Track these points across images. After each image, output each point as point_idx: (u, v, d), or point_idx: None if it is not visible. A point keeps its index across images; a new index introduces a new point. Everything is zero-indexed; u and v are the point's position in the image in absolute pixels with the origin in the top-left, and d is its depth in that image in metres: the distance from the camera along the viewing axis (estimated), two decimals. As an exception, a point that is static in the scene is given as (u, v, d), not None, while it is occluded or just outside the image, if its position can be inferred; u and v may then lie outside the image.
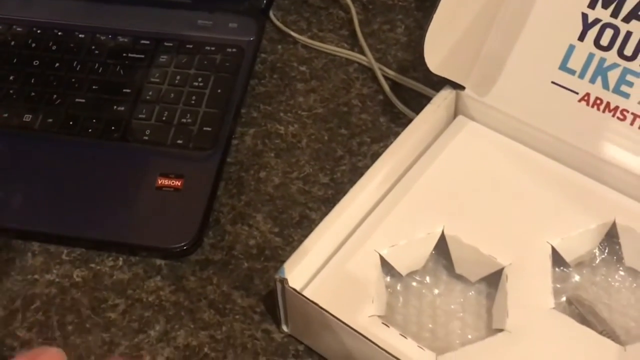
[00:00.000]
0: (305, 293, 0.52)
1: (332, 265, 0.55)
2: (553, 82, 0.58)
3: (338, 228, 0.55)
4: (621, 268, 0.57)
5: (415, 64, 0.71)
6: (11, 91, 0.69)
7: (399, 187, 0.58)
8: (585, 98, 0.57)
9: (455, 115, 0.63)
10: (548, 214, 0.57)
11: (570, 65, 0.57)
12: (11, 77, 0.70)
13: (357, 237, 0.56)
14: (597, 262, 0.57)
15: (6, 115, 0.67)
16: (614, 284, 0.57)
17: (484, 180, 0.59)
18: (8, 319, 0.57)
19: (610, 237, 0.57)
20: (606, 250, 0.58)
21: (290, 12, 0.76)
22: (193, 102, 0.67)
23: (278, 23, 0.75)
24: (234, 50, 0.71)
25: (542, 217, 0.56)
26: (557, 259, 0.55)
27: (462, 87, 0.61)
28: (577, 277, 0.57)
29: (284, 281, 0.51)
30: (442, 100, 0.61)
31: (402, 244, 0.55)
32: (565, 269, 0.57)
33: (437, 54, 0.59)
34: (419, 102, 0.66)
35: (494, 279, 0.55)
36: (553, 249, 0.55)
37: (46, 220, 0.62)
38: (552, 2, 0.58)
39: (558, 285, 0.56)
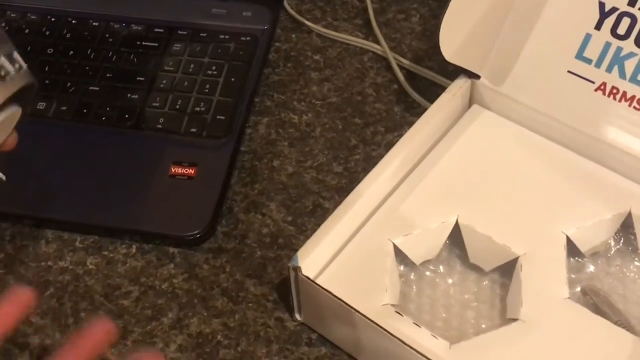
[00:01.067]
0: (318, 281, 0.52)
1: (346, 254, 0.54)
2: (569, 72, 0.57)
3: (351, 216, 0.55)
4: (636, 259, 0.57)
5: (430, 53, 0.70)
6: (25, 79, 0.69)
7: (414, 176, 0.58)
8: (602, 87, 0.57)
9: (470, 104, 0.62)
10: (563, 203, 0.56)
11: (586, 54, 0.57)
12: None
13: (370, 226, 0.56)
14: (612, 252, 0.57)
15: (20, 102, 0.67)
16: (629, 274, 0.56)
17: (498, 169, 0.58)
18: (22, 306, 0.57)
19: (626, 228, 0.57)
20: (621, 241, 0.57)
21: (304, 1, 0.76)
22: (207, 90, 0.67)
23: (292, 12, 0.75)
24: (248, 38, 0.71)
25: (557, 207, 0.56)
26: (572, 249, 0.55)
27: (477, 76, 0.61)
28: (592, 268, 0.56)
29: (297, 269, 0.51)
30: (458, 89, 0.61)
31: (415, 233, 0.55)
32: (580, 259, 0.56)
33: (452, 42, 0.59)
34: (433, 92, 0.65)
35: (508, 269, 0.55)
36: (568, 239, 0.55)
37: (60, 207, 0.62)
38: (568, -9, 0.57)
39: (573, 276, 0.56)
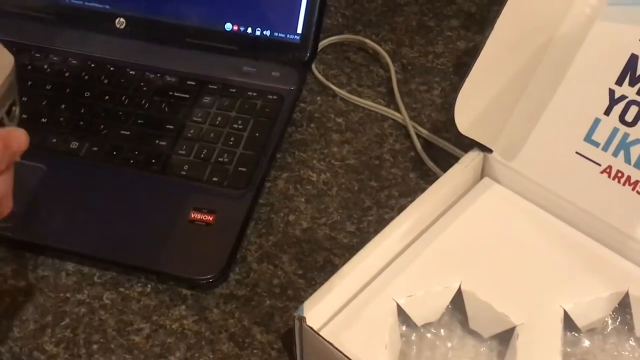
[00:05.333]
0: (322, 333, 0.54)
1: (351, 309, 0.57)
2: (577, 153, 0.60)
3: (359, 273, 0.57)
4: (632, 338, 0.58)
5: (448, 125, 0.73)
6: (61, 119, 0.72)
7: (422, 240, 0.60)
8: (607, 170, 0.59)
9: (481, 176, 0.65)
10: (563, 278, 0.58)
11: (594, 137, 0.60)
12: (63, 106, 0.73)
13: (377, 284, 0.58)
14: (608, 330, 0.59)
15: (54, 140, 0.71)
16: (624, 352, 0.58)
17: (503, 241, 0.61)
18: (37, 333, 0.60)
19: (623, 307, 0.58)
20: (618, 320, 0.59)
21: (332, 67, 0.80)
22: (231, 142, 0.70)
23: (319, 75, 0.78)
24: (275, 97, 0.74)
25: (557, 281, 0.58)
26: (569, 323, 0.57)
27: (489, 150, 0.63)
28: (587, 343, 0.58)
29: (302, 319, 0.54)
30: (470, 161, 0.63)
31: (419, 295, 0.57)
32: (576, 334, 0.58)
33: (467, 116, 0.62)
34: (448, 162, 0.68)
35: (506, 337, 0.57)
36: (565, 313, 0.56)
37: (82, 241, 0.65)
38: (581, 76, 0.60)
39: (568, 349, 0.57)
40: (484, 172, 0.65)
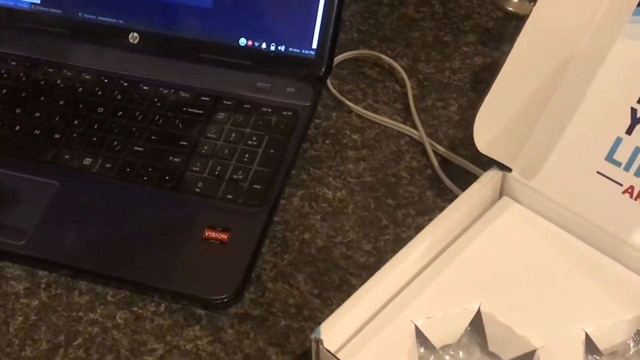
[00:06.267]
0: (339, 355, 0.53)
1: (368, 331, 0.56)
2: (598, 172, 0.59)
3: (377, 294, 0.56)
4: (654, 362, 0.57)
5: (465, 143, 0.72)
6: (74, 134, 0.72)
7: (440, 261, 0.60)
8: (629, 190, 0.58)
9: (500, 195, 0.64)
10: (585, 300, 0.57)
11: (616, 157, 0.59)
12: (76, 122, 0.73)
13: (394, 306, 0.57)
14: (630, 353, 0.58)
15: (68, 156, 0.70)
16: (646, 376, 0.57)
17: (523, 261, 0.60)
18: (50, 353, 0.59)
19: (645, 330, 0.57)
20: (640, 343, 0.58)
21: (347, 82, 0.79)
22: (246, 159, 0.69)
23: (334, 91, 0.78)
24: (290, 113, 0.73)
25: (579, 303, 0.57)
26: (590, 346, 0.56)
27: (509, 169, 0.62)
28: (609, 366, 0.57)
29: (319, 342, 0.53)
30: (489, 179, 0.62)
31: (438, 317, 0.56)
32: (597, 357, 0.57)
33: (486, 134, 0.61)
34: (466, 180, 0.67)
35: (526, 360, 0.56)
36: (587, 336, 0.55)
37: (95, 259, 0.64)
38: (602, 95, 0.59)
39: (589, 373, 0.56)
40: (502, 191, 0.64)
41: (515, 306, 0.57)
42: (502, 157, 0.62)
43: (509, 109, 0.61)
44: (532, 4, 0.82)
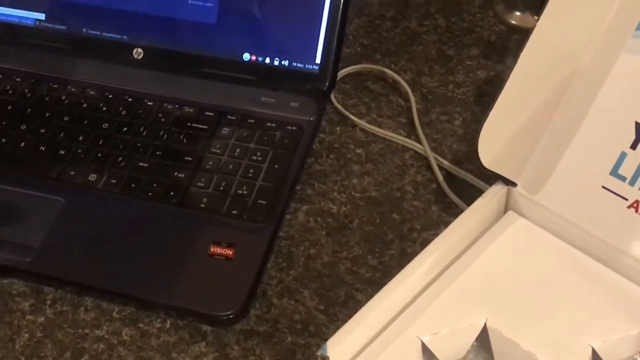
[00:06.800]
0: (345, 372, 0.53)
1: (375, 347, 0.56)
2: (603, 187, 0.59)
3: (383, 311, 0.56)
4: (661, 376, 0.57)
5: (470, 156, 0.72)
6: (79, 150, 0.72)
7: (446, 276, 0.59)
8: (634, 205, 0.58)
9: (505, 210, 0.64)
10: (591, 315, 0.57)
11: (621, 171, 0.59)
12: (81, 137, 0.73)
13: (400, 322, 0.57)
14: (637, 368, 0.58)
15: (73, 173, 0.70)
16: (653, 391, 0.57)
17: (529, 276, 0.60)
18: (56, 371, 0.59)
19: (652, 344, 0.57)
20: (647, 357, 0.58)
21: (351, 96, 0.79)
22: (250, 174, 0.70)
23: (338, 106, 0.78)
24: (294, 128, 0.73)
25: (585, 318, 0.57)
26: (597, 362, 0.56)
27: (513, 184, 0.62)
28: (616, 381, 0.57)
29: (325, 358, 0.53)
30: (494, 194, 0.62)
31: (444, 333, 0.56)
32: (604, 372, 0.57)
33: (491, 149, 0.61)
34: (471, 194, 0.67)
35: (532, 376, 0.56)
36: (593, 351, 0.55)
37: (101, 276, 0.64)
38: (606, 110, 0.59)
39: (596, 388, 0.56)
40: (507, 206, 0.64)
41: (521, 321, 0.57)
42: (507, 172, 0.62)
43: (513, 124, 0.61)
44: (535, 17, 0.83)
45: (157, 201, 0.68)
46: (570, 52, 0.61)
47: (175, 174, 0.70)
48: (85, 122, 0.74)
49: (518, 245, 0.62)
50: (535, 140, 0.62)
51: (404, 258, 0.65)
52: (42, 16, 0.80)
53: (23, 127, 0.74)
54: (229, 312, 0.61)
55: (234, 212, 0.67)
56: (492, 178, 0.63)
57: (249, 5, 0.76)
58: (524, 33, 0.82)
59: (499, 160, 0.61)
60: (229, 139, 0.73)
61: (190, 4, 0.77)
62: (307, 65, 0.75)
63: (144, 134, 0.73)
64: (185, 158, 0.71)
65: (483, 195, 0.62)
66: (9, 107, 0.76)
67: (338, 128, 0.76)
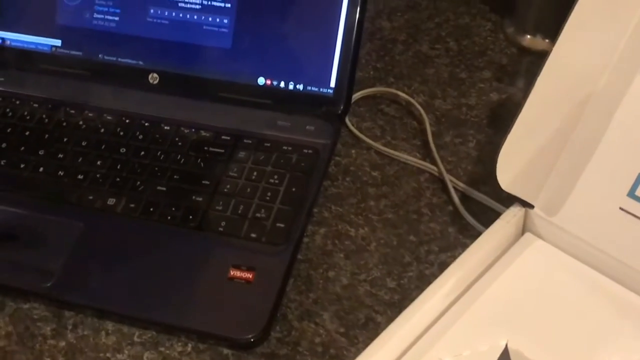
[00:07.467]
0: (369, 395, 0.53)
1: (397, 370, 0.56)
2: (621, 208, 0.60)
3: (404, 334, 0.57)
4: (681, 397, 0.58)
5: (485, 178, 0.73)
6: (98, 175, 0.72)
7: (466, 298, 0.60)
8: (653, 226, 0.59)
9: (523, 232, 0.64)
10: (610, 336, 0.57)
11: (638, 193, 0.59)
12: (99, 162, 0.73)
13: (422, 344, 0.57)
14: (657, 389, 0.58)
15: (91, 197, 0.71)
16: (673, 412, 0.57)
17: (548, 298, 0.60)
18: (79, 395, 0.60)
19: (672, 365, 0.58)
20: (667, 378, 0.58)
21: (365, 119, 0.80)
22: (268, 198, 0.70)
23: (353, 128, 0.78)
24: (310, 151, 0.74)
25: (605, 339, 0.57)
26: (618, 383, 0.56)
27: (531, 206, 0.63)
28: (636, 402, 0.57)
29: (349, 381, 0.53)
30: (511, 216, 0.63)
31: (465, 355, 0.57)
32: (625, 394, 0.57)
33: (509, 172, 0.61)
34: (487, 216, 0.68)
35: (554, 397, 0.56)
36: (614, 372, 0.56)
37: (121, 300, 0.65)
38: (622, 132, 0.60)
39: (617, 409, 0.57)
40: (525, 228, 0.64)
41: (542, 343, 0.57)
42: (525, 194, 0.63)
43: (530, 147, 0.62)
44: (545, 40, 0.84)
45: (176, 225, 0.69)
46: (587, 75, 0.61)
47: (193, 197, 0.71)
48: (103, 146, 0.75)
49: (536, 267, 0.62)
50: (552, 163, 0.62)
51: (423, 280, 0.65)
52: (58, 42, 0.81)
53: (41, 152, 0.75)
54: (250, 336, 0.62)
55: (253, 235, 0.67)
56: (507, 199, 0.64)
57: (264, 30, 0.77)
58: (535, 55, 0.84)
59: (516, 183, 0.62)
60: (246, 163, 0.73)
61: (205, 29, 0.78)
62: (321, 89, 0.76)
63: (161, 158, 0.74)
64: (203, 182, 0.72)
65: (501, 217, 0.63)
66: (27, 133, 0.76)
67: (353, 151, 0.77)
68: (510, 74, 0.83)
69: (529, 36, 0.85)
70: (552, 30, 0.83)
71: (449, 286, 0.59)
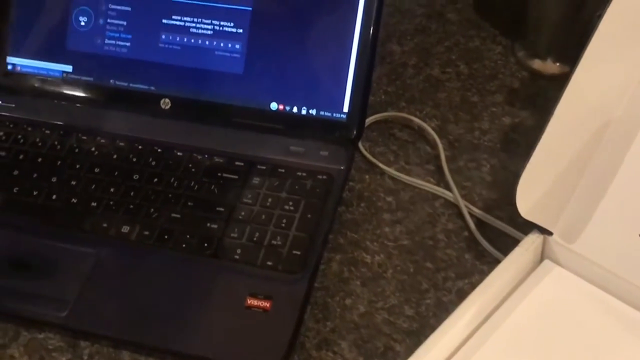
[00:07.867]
0: None
1: (419, 401, 0.56)
2: (640, 235, 0.60)
3: (426, 364, 0.56)
4: None
5: (500, 204, 0.73)
6: (111, 202, 0.72)
7: (486, 327, 0.59)
8: (673, 253, 0.59)
9: (541, 259, 0.64)
10: (633, 365, 0.57)
11: (658, 220, 0.59)
12: (112, 189, 0.73)
13: (443, 374, 0.57)
14: (680, 417, 0.58)
15: (105, 225, 0.70)
16: None
17: (568, 325, 0.60)
18: None
19: (695, 394, 0.57)
20: (689, 406, 0.58)
21: (378, 144, 0.80)
22: (283, 225, 0.70)
23: (366, 153, 0.78)
24: (324, 177, 0.73)
25: (628, 368, 0.57)
26: (642, 412, 0.56)
27: (550, 233, 0.63)
28: None
29: (372, 413, 0.53)
30: (530, 244, 0.63)
31: (487, 384, 0.56)
32: (648, 423, 0.57)
33: (528, 200, 0.61)
34: (503, 241, 0.68)
35: None
36: (638, 401, 0.55)
37: (137, 330, 0.64)
38: (643, 158, 0.60)
39: None
40: (544, 255, 0.64)
41: (564, 372, 0.57)
42: (544, 221, 0.62)
43: (550, 174, 0.62)
44: (556, 64, 0.84)
45: (191, 252, 0.68)
46: (605, 102, 0.61)
47: (208, 224, 0.70)
48: (116, 173, 0.74)
49: (556, 295, 0.62)
50: (572, 190, 0.62)
51: (440, 307, 0.65)
52: (69, 68, 0.81)
53: (54, 179, 0.74)
54: (268, 366, 0.61)
55: (269, 263, 0.67)
56: (523, 225, 0.64)
57: (276, 55, 0.77)
58: (547, 79, 0.84)
59: (535, 210, 0.62)
60: (260, 189, 0.73)
61: (217, 54, 0.78)
62: (335, 114, 0.76)
63: (175, 184, 0.73)
64: (217, 208, 0.71)
65: (520, 244, 0.63)
66: (39, 160, 0.76)
67: (367, 176, 0.77)
68: (522, 98, 0.83)
69: (539, 60, 0.85)
70: (563, 54, 0.84)
71: (469, 316, 0.59)
